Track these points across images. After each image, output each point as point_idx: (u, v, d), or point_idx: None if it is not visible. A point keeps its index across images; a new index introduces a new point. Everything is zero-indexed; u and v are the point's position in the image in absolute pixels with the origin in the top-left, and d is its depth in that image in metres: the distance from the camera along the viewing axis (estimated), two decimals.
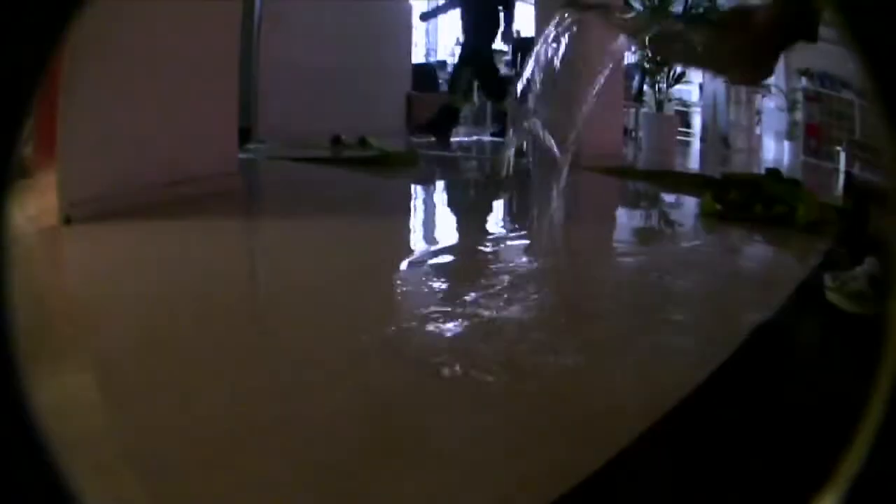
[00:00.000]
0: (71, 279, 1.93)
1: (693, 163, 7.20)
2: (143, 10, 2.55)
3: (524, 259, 2.21)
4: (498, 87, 6.25)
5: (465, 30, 6.18)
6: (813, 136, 13.01)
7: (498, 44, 6.90)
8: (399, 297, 1.83)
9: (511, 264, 2.16)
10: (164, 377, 1.25)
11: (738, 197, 3.48)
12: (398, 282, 1.94)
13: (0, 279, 0.40)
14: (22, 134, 0.39)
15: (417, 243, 2.51)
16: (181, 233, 2.29)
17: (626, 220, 3.56)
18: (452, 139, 6.20)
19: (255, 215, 2.82)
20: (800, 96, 13.40)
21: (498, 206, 3.52)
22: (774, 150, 12.33)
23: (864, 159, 10.82)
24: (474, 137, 6.74)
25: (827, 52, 13.50)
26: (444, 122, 6.23)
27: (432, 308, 1.63)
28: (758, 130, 10.53)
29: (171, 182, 2.59)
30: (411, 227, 2.80)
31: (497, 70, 6.68)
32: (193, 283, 1.79)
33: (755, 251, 3.00)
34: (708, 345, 1.56)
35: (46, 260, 2.05)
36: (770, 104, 12.68)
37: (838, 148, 11.78)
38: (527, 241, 2.40)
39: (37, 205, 2.24)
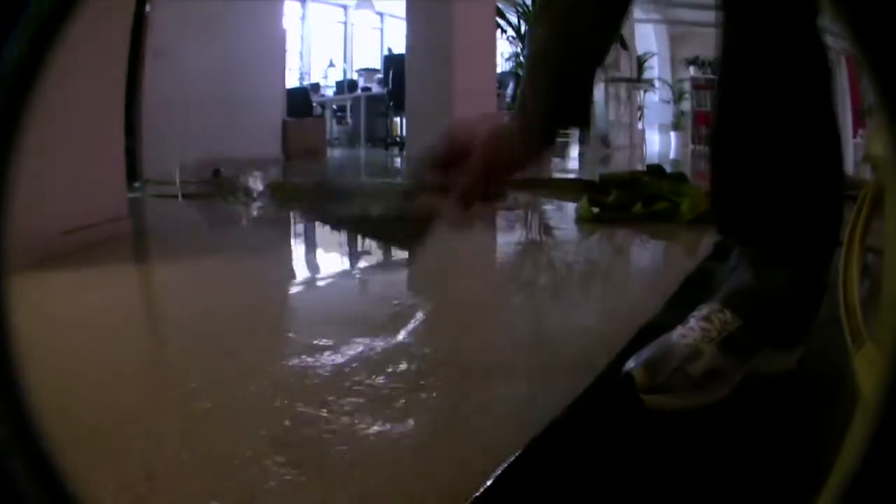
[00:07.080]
0: None
1: (573, 166, 7.31)
2: None
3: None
4: None
5: None
6: (703, 124, 13.26)
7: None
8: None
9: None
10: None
11: (617, 197, 3.29)
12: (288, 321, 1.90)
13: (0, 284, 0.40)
14: (21, 133, 0.40)
15: (303, 276, 2.49)
16: (68, 285, 2.15)
17: (501, 230, 3.24)
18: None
19: (144, 261, 2.70)
20: (687, 86, 13.71)
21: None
22: (660, 143, 11.96)
23: None
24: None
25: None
26: None
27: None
28: (640, 125, 10.46)
29: (57, 232, 2.44)
30: (294, 260, 2.77)
31: None
32: (84, 338, 1.65)
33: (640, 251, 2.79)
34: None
35: None
36: (654, 98, 12.84)
37: None
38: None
39: None
